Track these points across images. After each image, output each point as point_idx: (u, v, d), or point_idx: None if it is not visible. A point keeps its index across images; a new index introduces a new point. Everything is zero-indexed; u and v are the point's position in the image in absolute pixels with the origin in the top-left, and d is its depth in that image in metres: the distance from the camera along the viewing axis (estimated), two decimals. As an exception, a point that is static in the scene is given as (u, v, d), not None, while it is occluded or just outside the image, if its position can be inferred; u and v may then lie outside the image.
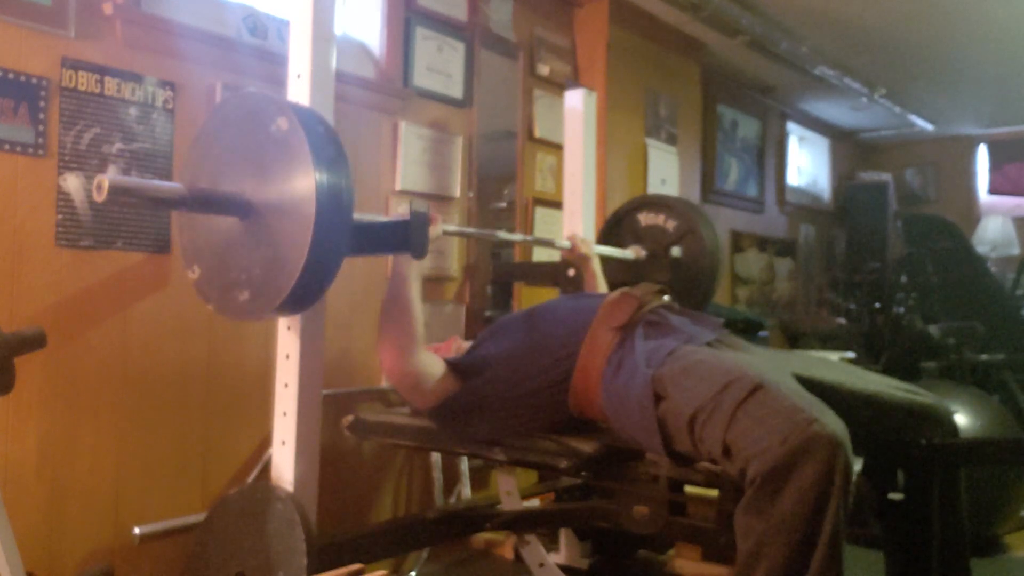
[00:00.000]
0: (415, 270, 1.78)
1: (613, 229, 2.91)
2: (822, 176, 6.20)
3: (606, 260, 2.60)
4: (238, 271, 1.58)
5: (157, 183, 1.50)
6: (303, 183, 1.46)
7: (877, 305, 4.78)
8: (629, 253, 2.76)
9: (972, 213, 6.18)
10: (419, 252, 1.74)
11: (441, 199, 2.90)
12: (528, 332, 1.85)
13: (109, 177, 1.37)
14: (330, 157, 1.49)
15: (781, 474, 1.32)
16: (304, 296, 1.55)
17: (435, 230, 1.81)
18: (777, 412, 1.37)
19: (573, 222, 2.72)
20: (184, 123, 2.18)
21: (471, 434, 1.83)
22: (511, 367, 1.79)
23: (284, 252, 1.49)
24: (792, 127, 5.71)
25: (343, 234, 1.53)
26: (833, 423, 1.36)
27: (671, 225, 2.80)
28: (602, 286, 2.44)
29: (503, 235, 2.35)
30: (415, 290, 1.77)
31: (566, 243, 2.48)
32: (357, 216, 1.64)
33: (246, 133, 1.57)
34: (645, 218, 2.85)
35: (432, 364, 1.78)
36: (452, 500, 2.80)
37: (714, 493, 1.76)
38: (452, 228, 2.02)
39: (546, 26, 3.41)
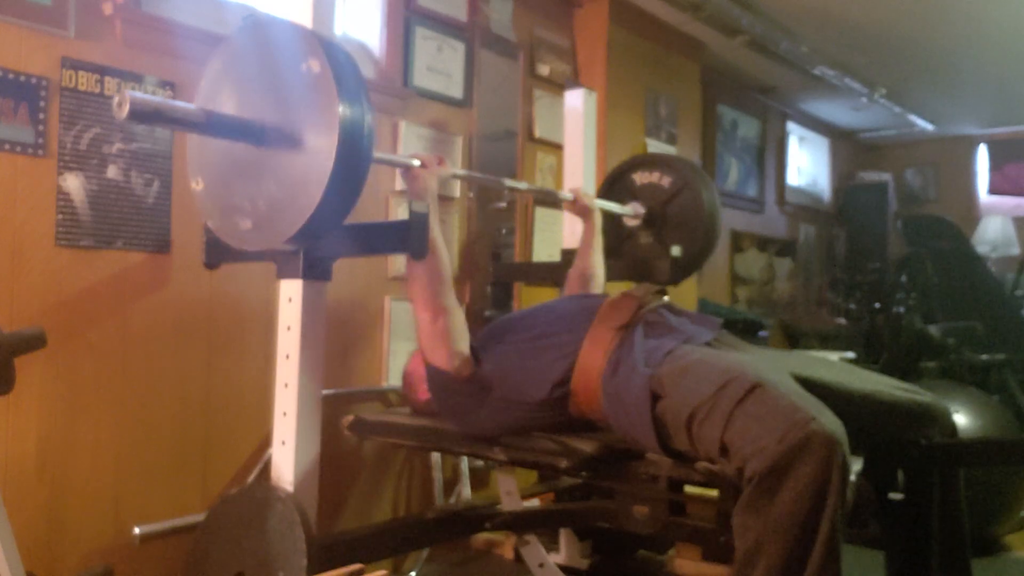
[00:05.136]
0: (434, 212, 1.80)
1: (609, 189, 2.91)
2: (822, 176, 6.20)
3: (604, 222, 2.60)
4: (242, 197, 1.59)
5: (176, 103, 1.53)
6: (327, 126, 1.47)
7: (877, 305, 4.78)
8: (628, 209, 2.78)
9: (972, 213, 6.17)
10: (418, 253, 1.74)
11: (441, 199, 2.89)
12: (528, 332, 1.85)
13: (131, 94, 1.39)
14: (356, 102, 1.50)
15: (779, 472, 1.33)
16: (311, 234, 1.56)
17: (444, 171, 1.90)
18: (775, 411, 1.38)
19: (572, 221, 2.72)
20: (184, 123, 2.18)
21: (473, 425, 1.84)
22: (512, 367, 1.79)
23: (297, 189, 1.50)
24: (792, 127, 5.70)
25: (358, 181, 1.54)
26: (831, 422, 1.36)
27: (666, 182, 2.79)
28: (599, 241, 2.46)
29: (509, 183, 2.37)
30: (438, 230, 1.78)
31: (568, 195, 2.49)
32: (357, 219, 1.64)
33: (270, 65, 1.58)
34: (640, 177, 2.85)
35: (462, 321, 1.81)
36: (452, 500, 2.80)
37: (714, 493, 1.76)
38: (461, 172, 2.05)
39: (546, 26, 3.41)
